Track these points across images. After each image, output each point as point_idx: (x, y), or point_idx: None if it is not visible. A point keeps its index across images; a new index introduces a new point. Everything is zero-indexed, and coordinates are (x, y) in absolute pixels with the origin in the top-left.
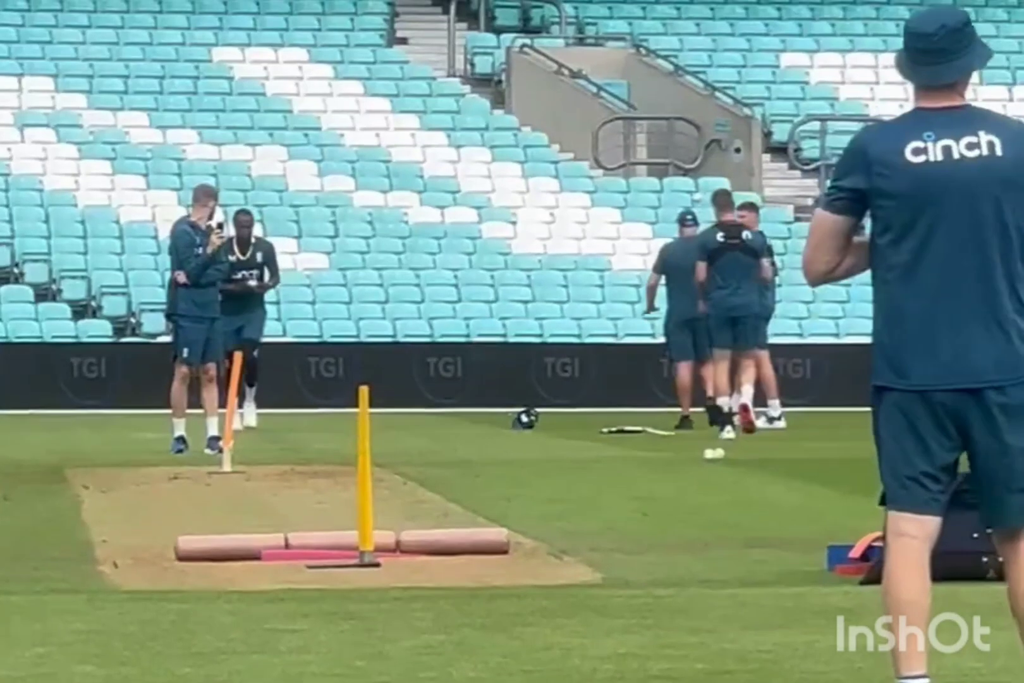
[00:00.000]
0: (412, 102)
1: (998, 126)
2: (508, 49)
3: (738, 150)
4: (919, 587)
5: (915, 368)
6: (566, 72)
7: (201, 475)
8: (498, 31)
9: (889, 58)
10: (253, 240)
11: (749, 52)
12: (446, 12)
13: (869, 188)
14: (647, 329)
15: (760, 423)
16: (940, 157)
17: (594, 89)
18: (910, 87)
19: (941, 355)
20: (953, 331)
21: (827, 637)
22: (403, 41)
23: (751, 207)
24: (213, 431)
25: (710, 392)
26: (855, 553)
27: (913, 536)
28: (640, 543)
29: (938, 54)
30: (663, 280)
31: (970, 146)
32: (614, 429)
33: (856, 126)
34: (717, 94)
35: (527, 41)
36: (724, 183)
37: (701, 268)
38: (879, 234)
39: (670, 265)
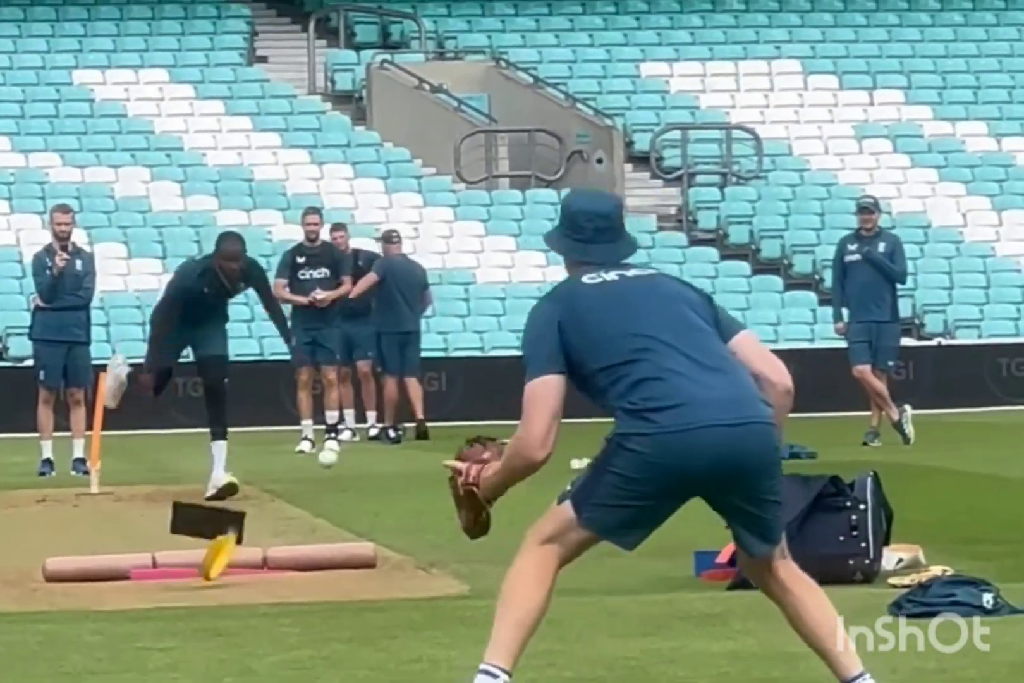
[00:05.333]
0: (273, 120)
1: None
2: (368, 65)
3: (600, 160)
4: (545, 598)
5: (669, 415)
6: (427, 87)
7: (69, 497)
8: (358, 47)
9: (750, 66)
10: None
11: (609, 62)
12: (305, 29)
13: (563, 323)
14: (513, 341)
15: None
16: (616, 278)
17: (455, 103)
18: (772, 93)
19: (697, 400)
20: (690, 383)
21: (694, 642)
22: (263, 59)
23: (343, 227)
24: (78, 453)
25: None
26: (722, 558)
27: (570, 554)
28: (506, 553)
29: (615, 232)
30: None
31: (638, 277)
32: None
33: (718, 134)
34: (578, 105)
35: (387, 57)
36: None
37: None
38: (582, 364)
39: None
